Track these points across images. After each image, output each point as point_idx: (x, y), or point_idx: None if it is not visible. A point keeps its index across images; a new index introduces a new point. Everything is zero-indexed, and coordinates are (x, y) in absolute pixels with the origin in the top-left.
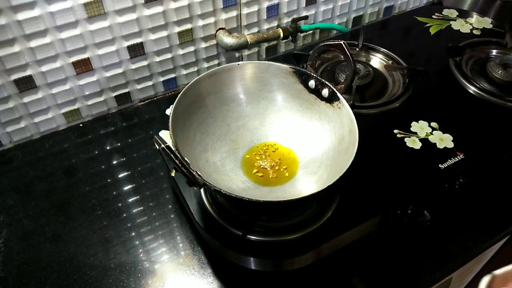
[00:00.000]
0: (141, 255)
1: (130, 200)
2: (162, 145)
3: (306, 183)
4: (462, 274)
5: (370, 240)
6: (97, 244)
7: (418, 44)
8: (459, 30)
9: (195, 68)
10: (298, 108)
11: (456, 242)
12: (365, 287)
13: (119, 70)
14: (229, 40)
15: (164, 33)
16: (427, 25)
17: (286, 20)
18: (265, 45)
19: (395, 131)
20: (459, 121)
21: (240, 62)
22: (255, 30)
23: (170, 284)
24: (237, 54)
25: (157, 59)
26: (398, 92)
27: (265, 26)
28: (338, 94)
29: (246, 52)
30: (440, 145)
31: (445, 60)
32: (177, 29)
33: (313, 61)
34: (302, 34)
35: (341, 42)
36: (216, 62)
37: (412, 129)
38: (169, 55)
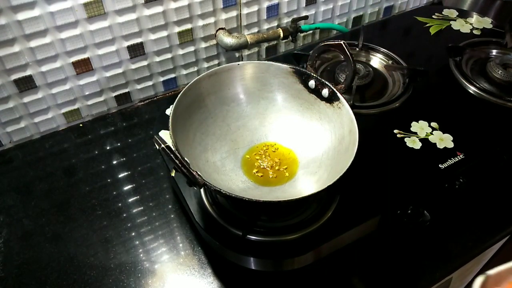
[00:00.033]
0: (141, 255)
1: (130, 200)
2: (162, 145)
3: (306, 183)
4: (462, 274)
5: (370, 240)
6: (97, 244)
7: (418, 44)
8: (459, 30)
9: (195, 68)
10: (298, 108)
11: (456, 242)
12: (365, 287)
13: (119, 70)
14: (229, 40)
15: (164, 33)
16: (427, 25)
17: (286, 20)
18: (265, 45)
19: (395, 131)
20: (459, 121)
21: (240, 62)
22: (255, 30)
23: (170, 284)
24: (237, 54)
25: (157, 59)
26: (398, 92)
27: (265, 26)
28: (338, 94)
29: (246, 52)
30: (440, 145)
31: (445, 60)
32: (177, 29)
33: (313, 61)
34: (302, 34)
35: (341, 42)
36: (216, 62)
37: (412, 129)
38: (169, 55)
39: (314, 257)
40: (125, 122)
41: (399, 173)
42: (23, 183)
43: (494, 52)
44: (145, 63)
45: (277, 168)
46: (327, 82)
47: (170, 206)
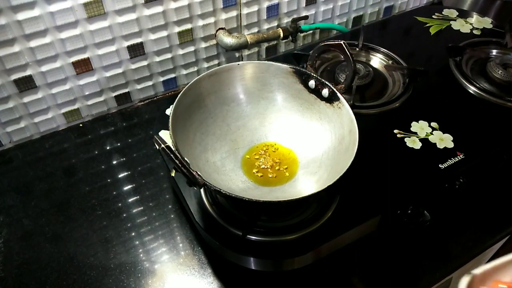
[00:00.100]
0: (141, 255)
1: (130, 200)
2: (162, 145)
3: (306, 183)
4: (462, 274)
5: (370, 240)
6: (97, 244)
7: (418, 44)
8: (459, 30)
9: (195, 68)
10: (298, 108)
11: (456, 242)
12: (365, 287)
13: (119, 70)
14: (229, 40)
15: (164, 33)
16: (427, 25)
17: (286, 20)
18: (265, 45)
19: (395, 131)
20: (459, 121)
21: (240, 62)
22: (255, 30)
23: (170, 284)
24: (237, 54)
25: (157, 59)
26: (398, 92)
27: (265, 26)
28: (338, 94)
29: (246, 52)
30: (440, 145)
31: (445, 60)
32: (177, 29)
33: (313, 61)
34: (302, 34)
35: (341, 42)
36: (216, 62)
37: (412, 129)
38: (169, 55)
39: (314, 257)
40: (125, 122)
41: (399, 173)
42: (23, 183)
43: (494, 52)
44: (145, 63)
45: (277, 168)
46: (327, 82)
47: (170, 206)
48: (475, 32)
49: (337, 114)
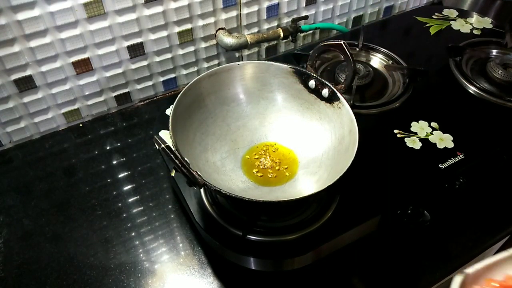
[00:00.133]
0: (141, 255)
1: (130, 200)
2: (162, 145)
3: (306, 183)
4: None
5: (370, 240)
6: (97, 244)
7: (418, 44)
8: (459, 30)
9: (195, 68)
10: (298, 108)
11: (456, 242)
12: (365, 287)
13: (119, 70)
14: (229, 40)
15: (164, 33)
16: (427, 25)
17: (286, 20)
18: (265, 45)
19: (395, 131)
20: (459, 121)
21: (240, 62)
22: (255, 30)
23: (170, 284)
24: (237, 54)
25: (157, 59)
26: (398, 92)
27: (265, 26)
28: (338, 94)
29: (246, 52)
30: (440, 145)
31: (445, 60)
32: (177, 29)
33: (313, 61)
34: (302, 34)
35: (341, 42)
36: (216, 62)
37: (412, 129)
38: (169, 55)
39: (314, 257)
40: (125, 122)
41: (399, 173)
42: (23, 183)
43: (494, 52)
44: (145, 63)
45: (277, 168)
46: (327, 82)
47: (170, 206)
48: (475, 32)
49: (337, 114)
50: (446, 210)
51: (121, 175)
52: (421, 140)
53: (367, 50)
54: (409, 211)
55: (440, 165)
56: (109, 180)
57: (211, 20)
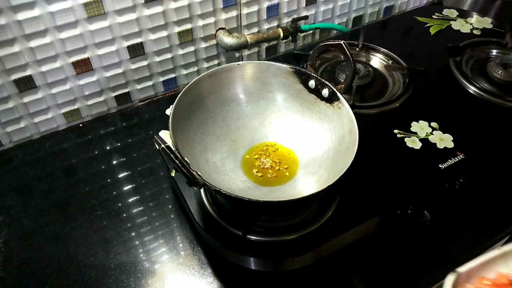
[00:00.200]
0: (141, 255)
1: (130, 200)
2: (162, 145)
3: (306, 183)
4: None
5: (370, 240)
6: (97, 244)
7: (418, 44)
8: (459, 30)
9: (195, 68)
10: (298, 108)
11: (456, 242)
12: (365, 287)
13: (119, 70)
14: (229, 40)
15: (164, 33)
16: (427, 25)
17: (286, 20)
18: (265, 45)
19: (395, 131)
20: (459, 121)
21: (240, 62)
22: (255, 30)
23: (170, 284)
24: (237, 54)
25: (157, 59)
26: (398, 92)
27: (265, 26)
28: (338, 94)
29: (246, 52)
30: (440, 145)
31: (445, 60)
32: (177, 29)
33: (313, 61)
34: (302, 34)
35: (341, 42)
36: (216, 62)
37: (412, 129)
38: (169, 55)
39: (314, 257)
40: (125, 122)
41: (399, 173)
42: (23, 183)
43: (494, 52)
44: (145, 63)
45: (277, 168)
46: (327, 82)
47: (170, 206)
48: (475, 32)
49: (337, 114)
50: (446, 210)
51: (121, 175)
52: (421, 140)
53: (367, 50)
54: (409, 211)
55: (440, 165)
56: (109, 180)
57: (211, 20)
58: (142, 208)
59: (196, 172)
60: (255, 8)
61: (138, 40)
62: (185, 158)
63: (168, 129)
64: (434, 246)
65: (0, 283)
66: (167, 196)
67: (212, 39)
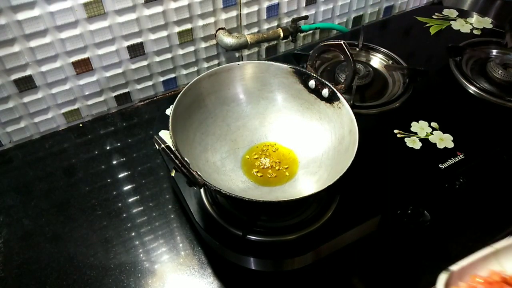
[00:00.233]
0: (141, 255)
1: (130, 200)
2: (162, 145)
3: (306, 183)
4: None
5: (370, 240)
6: (97, 244)
7: (418, 44)
8: (459, 30)
9: (195, 68)
10: (298, 108)
11: (456, 242)
12: (365, 287)
13: (119, 70)
14: (229, 40)
15: (164, 33)
16: (427, 25)
17: (286, 20)
18: (265, 45)
19: (395, 131)
20: (459, 121)
21: (240, 62)
22: (255, 30)
23: (170, 284)
24: (237, 54)
25: (157, 59)
26: (398, 92)
27: (265, 26)
28: (338, 94)
29: (246, 52)
30: (440, 145)
31: (445, 60)
32: (177, 29)
33: (313, 61)
34: (302, 34)
35: (341, 42)
36: (216, 62)
37: (412, 129)
38: (169, 55)
39: (314, 257)
40: (125, 122)
41: (399, 173)
42: (23, 183)
43: (494, 52)
44: (145, 63)
45: (277, 168)
46: (327, 82)
47: (170, 206)
48: (475, 32)
49: (337, 114)
50: (446, 210)
51: (121, 175)
52: (421, 140)
53: (367, 50)
54: (409, 211)
55: (440, 165)
56: (109, 180)
57: (211, 20)
58: (142, 208)
59: (196, 172)
60: (255, 8)
61: (138, 40)
62: (185, 158)
63: (168, 129)
64: (434, 246)
65: (0, 283)
66: (167, 196)
67: (212, 39)
